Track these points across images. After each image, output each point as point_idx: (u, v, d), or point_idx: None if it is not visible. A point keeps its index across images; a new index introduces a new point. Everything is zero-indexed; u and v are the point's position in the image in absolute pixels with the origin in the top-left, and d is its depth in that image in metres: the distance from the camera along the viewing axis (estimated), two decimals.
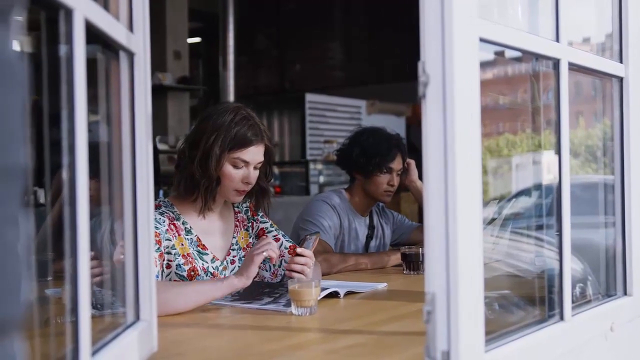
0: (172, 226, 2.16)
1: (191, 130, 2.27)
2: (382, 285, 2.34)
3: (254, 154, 2.21)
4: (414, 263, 2.64)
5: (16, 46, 0.56)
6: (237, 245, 2.35)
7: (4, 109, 0.52)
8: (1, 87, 0.52)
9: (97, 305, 1.40)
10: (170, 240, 2.14)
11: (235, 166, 2.19)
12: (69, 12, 0.99)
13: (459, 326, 1.16)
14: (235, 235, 2.36)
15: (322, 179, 7.62)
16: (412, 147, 4.72)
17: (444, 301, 1.17)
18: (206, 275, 2.21)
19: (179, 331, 1.74)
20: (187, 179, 2.21)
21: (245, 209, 2.43)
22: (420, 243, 2.95)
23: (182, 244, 2.19)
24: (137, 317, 1.37)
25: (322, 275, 2.65)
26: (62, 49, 1.02)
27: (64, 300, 1.42)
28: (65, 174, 1.02)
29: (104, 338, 1.21)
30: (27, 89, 0.56)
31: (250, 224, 2.42)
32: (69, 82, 1.01)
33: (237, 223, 2.38)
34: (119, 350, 1.21)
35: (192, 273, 2.17)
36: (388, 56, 9.29)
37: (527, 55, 1.61)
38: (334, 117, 8.32)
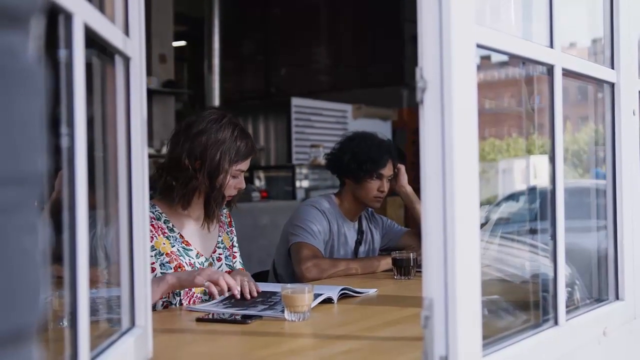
0: (150, 227, 2.18)
1: (187, 142, 2.25)
2: (372, 291, 2.35)
3: (249, 162, 2.35)
4: (404, 268, 2.64)
5: (35, 53, 0.55)
6: (222, 244, 2.43)
7: (25, 116, 0.52)
8: (22, 94, 0.52)
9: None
10: (149, 242, 2.16)
11: (234, 177, 2.30)
12: (68, 17, 0.98)
13: (457, 331, 1.16)
14: (220, 234, 2.44)
15: (308, 183, 7.61)
16: (399, 152, 4.73)
17: (442, 306, 1.17)
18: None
19: (174, 337, 1.74)
20: (192, 192, 2.26)
21: (224, 214, 2.52)
22: (409, 248, 2.96)
23: (164, 243, 2.23)
24: (133, 324, 1.36)
25: (313, 280, 2.65)
26: (61, 53, 1.01)
27: (55, 306, 1.41)
28: (64, 179, 1.01)
29: (100, 344, 1.20)
30: (45, 95, 0.56)
31: (230, 229, 2.51)
32: (68, 87, 1.00)
33: (221, 224, 2.47)
34: (116, 356, 1.20)
35: (179, 269, 2.22)
36: (374, 61, 9.32)
37: (514, 60, 1.62)
38: (320, 122, 8.31)
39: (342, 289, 2.19)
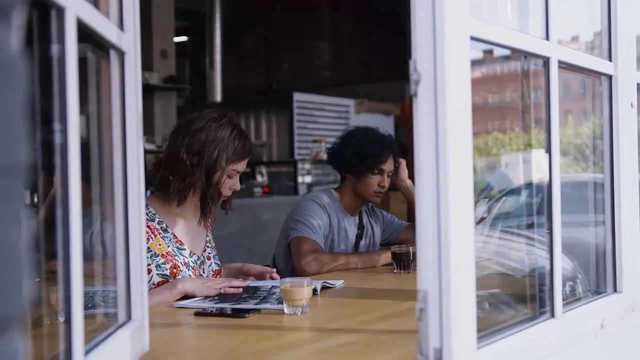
0: (146, 228, 2.20)
1: (186, 138, 2.28)
2: (339, 283, 2.38)
3: (245, 164, 2.38)
4: (404, 262, 2.64)
5: (17, 45, 0.55)
6: (210, 244, 2.47)
7: (7, 107, 0.52)
8: (4, 86, 0.52)
9: (86, 304, 1.39)
10: (145, 238, 2.19)
11: (229, 176, 2.32)
12: (60, 11, 0.99)
13: (451, 323, 1.16)
14: (208, 234, 2.47)
15: (310, 178, 7.61)
16: (401, 147, 4.75)
17: (436, 298, 1.17)
18: (188, 270, 2.28)
19: (171, 331, 1.74)
20: (188, 188, 2.28)
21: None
22: (410, 242, 2.96)
23: (160, 244, 2.26)
24: (129, 317, 1.37)
25: (313, 274, 2.66)
26: (54, 48, 1.01)
27: (52, 301, 1.42)
28: (56, 175, 1.01)
29: (96, 338, 1.21)
30: (28, 87, 0.56)
31: (210, 231, 2.54)
32: (61, 81, 1.00)
33: (208, 225, 2.50)
34: (111, 349, 1.21)
35: (175, 270, 2.25)
36: (376, 55, 9.31)
37: (516, 54, 1.61)
38: (322, 117, 8.31)
39: (322, 283, 2.25)
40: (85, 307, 1.21)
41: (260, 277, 2.42)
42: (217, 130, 2.28)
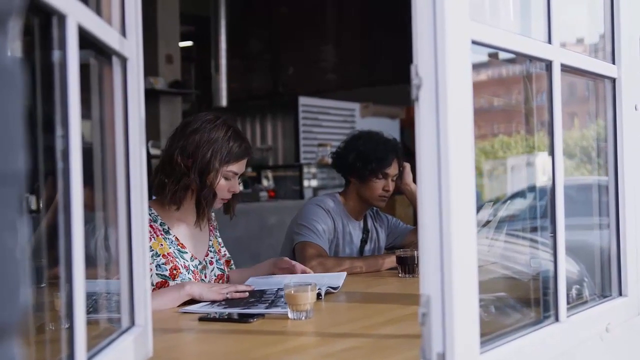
0: (149, 228, 2.21)
1: (181, 140, 2.29)
2: (342, 275, 2.41)
3: (243, 166, 2.36)
4: (409, 266, 2.64)
5: (14, 52, 0.56)
6: (212, 248, 2.46)
7: (5, 114, 0.52)
8: (1, 93, 0.52)
9: (89, 309, 1.40)
10: (148, 242, 2.19)
11: (226, 178, 2.32)
12: (62, 18, 0.99)
13: (454, 328, 1.16)
14: (210, 238, 2.47)
15: (316, 182, 7.61)
16: (406, 150, 4.74)
17: (439, 303, 1.17)
18: (187, 273, 2.29)
19: (174, 336, 1.74)
20: (183, 190, 2.28)
21: (213, 217, 2.56)
22: (414, 246, 2.95)
23: (162, 245, 2.27)
24: (132, 323, 1.37)
25: None
26: (55, 55, 1.02)
27: (56, 307, 1.42)
28: (58, 180, 1.02)
29: (99, 343, 1.21)
30: (25, 94, 0.56)
31: (217, 232, 2.55)
32: (63, 88, 1.01)
33: (211, 229, 2.50)
34: (115, 355, 1.21)
35: (174, 272, 2.25)
36: (381, 59, 9.30)
37: (521, 57, 1.61)
38: (327, 120, 8.31)
39: (326, 290, 2.22)
40: (88, 312, 1.22)
41: (290, 271, 2.45)
42: (211, 132, 2.28)
